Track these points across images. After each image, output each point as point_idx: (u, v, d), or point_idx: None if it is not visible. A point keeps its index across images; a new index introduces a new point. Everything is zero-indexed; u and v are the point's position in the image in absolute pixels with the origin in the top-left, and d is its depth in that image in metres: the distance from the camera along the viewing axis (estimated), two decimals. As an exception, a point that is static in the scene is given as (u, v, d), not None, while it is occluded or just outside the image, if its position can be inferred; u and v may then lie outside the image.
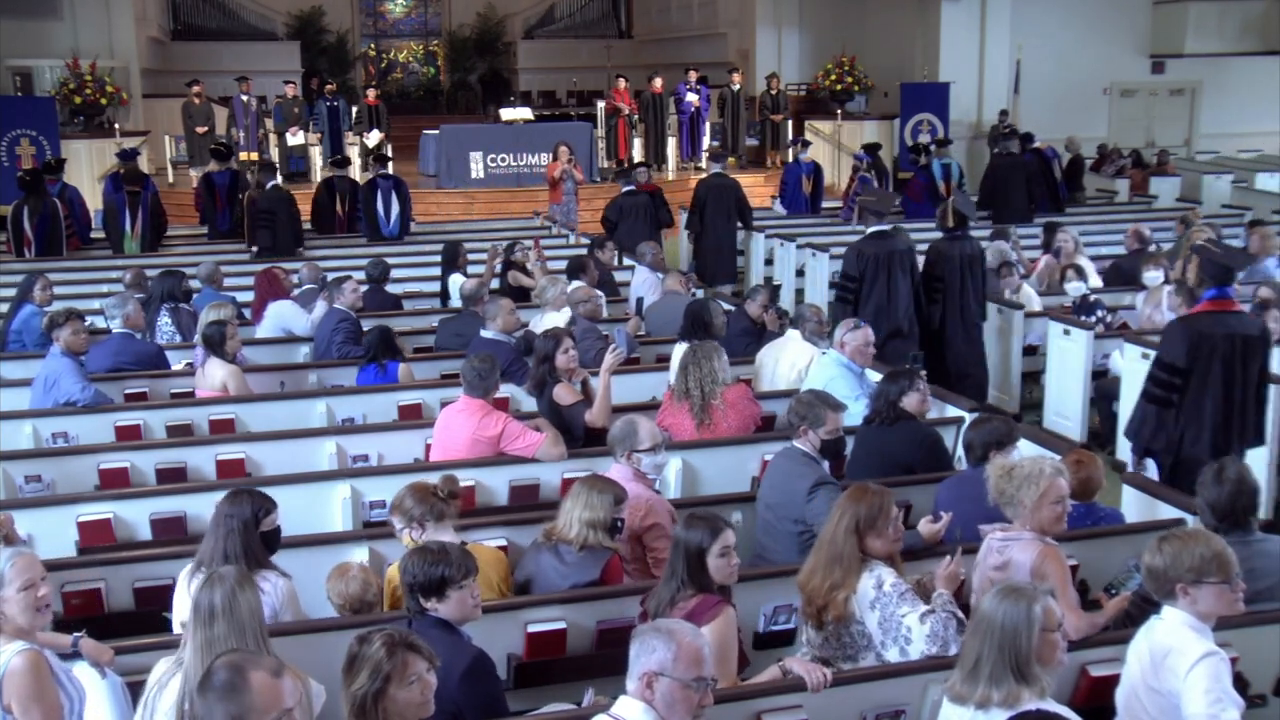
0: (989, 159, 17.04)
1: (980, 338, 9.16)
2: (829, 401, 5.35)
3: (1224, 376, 6.18)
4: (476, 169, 18.07)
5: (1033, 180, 15.32)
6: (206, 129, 18.53)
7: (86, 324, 7.39)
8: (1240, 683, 3.94)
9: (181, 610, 4.34)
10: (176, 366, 8.12)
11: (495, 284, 10.00)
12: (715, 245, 13.76)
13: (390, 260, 10.71)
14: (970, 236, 9.44)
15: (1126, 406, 8.13)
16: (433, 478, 4.96)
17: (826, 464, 5.37)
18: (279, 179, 13.60)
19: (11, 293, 9.48)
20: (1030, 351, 9.47)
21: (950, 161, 16.03)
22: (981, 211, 13.90)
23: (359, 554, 5.05)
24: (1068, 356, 8.75)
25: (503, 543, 5.16)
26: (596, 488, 4.68)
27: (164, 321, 8.83)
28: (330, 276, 9.32)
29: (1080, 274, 9.73)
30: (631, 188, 13.36)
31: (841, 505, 4.24)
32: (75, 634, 3.90)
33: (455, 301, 9.74)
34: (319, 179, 16.75)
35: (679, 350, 7.09)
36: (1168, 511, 5.33)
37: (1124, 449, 8.11)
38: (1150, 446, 6.43)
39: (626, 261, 12.27)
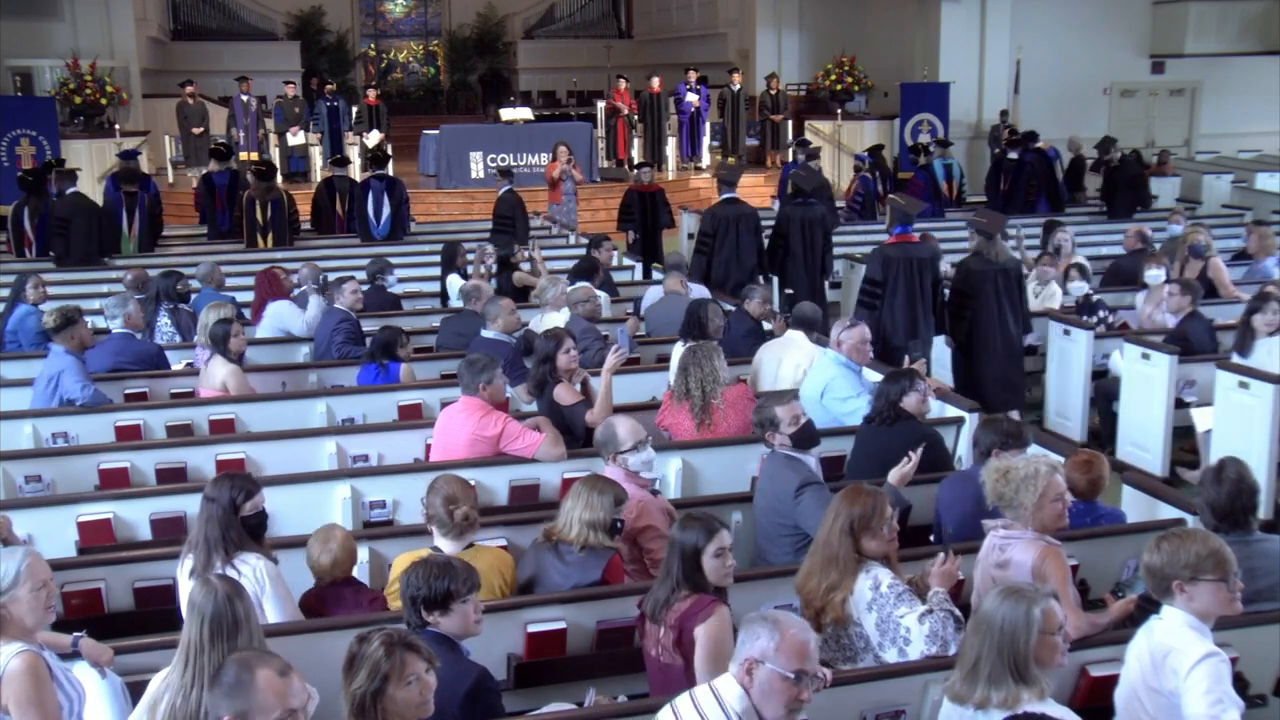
0: (991, 157, 17.10)
1: (822, 284, 11.21)
2: (774, 398, 5.40)
3: (906, 286, 8.71)
4: (476, 169, 18.08)
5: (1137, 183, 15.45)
6: (202, 129, 18.55)
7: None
8: (1240, 683, 3.94)
9: (185, 595, 4.36)
10: (176, 366, 8.12)
11: (493, 284, 9.98)
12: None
13: (390, 260, 10.70)
14: (811, 203, 11.27)
15: (1127, 407, 8.15)
16: (430, 478, 4.97)
17: (814, 459, 5.36)
18: (76, 184, 12.84)
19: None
20: (1030, 351, 9.47)
21: (951, 161, 16.05)
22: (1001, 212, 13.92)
23: (359, 554, 5.04)
24: (1068, 356, 8.74)
25: (502, 543, 5.17)
26: (597, 488, 4.68)
27: (163, 322, 8.82)
28: (331, 276, 9.33)
29: (1083, 273, 9.73)
30: (508, 186, 13.14)
31: (835, 507, 4.23)
32: (75, 634, 3.90)
33: (454, 302, 9.74)
34: (319, 179, 16.76)
35: (678, 350, 7.09)
36: (1168, 511, 5.33)
37: (1124, 449, 8.14)
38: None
39: (625, 261, 12.34)
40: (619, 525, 4.70)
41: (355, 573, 4.84)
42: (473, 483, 5.82)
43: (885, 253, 8.89)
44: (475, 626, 3.86)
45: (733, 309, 8.38)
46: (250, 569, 4.33)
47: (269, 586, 4.35)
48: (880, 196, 15.94)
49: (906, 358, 7.82)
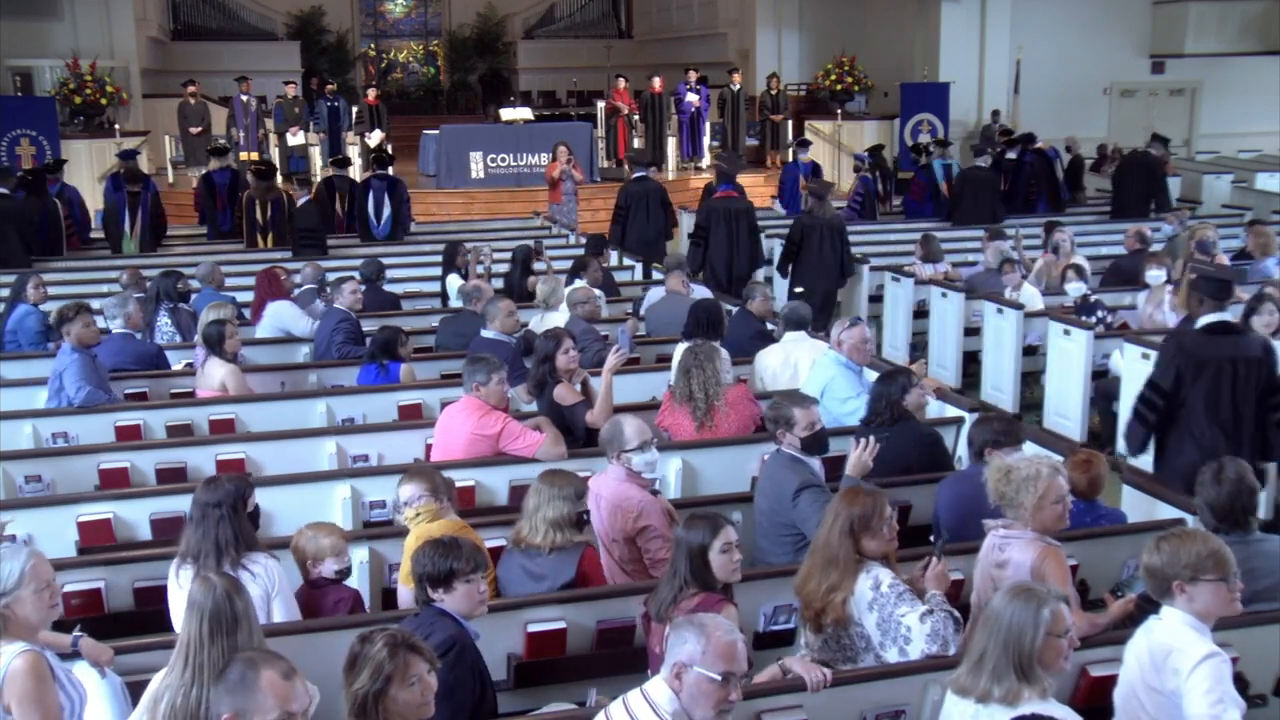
0: (988, 157, 17.08)
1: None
2: (795, 399, 5.39)
3: (725, 229, 11.55)
4: (476, 169, 18.07)
5: (1154, 179, 15.29)
6: (202, 129, 18.53)
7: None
8: (1240, 683, 3.94)
9: (177, 606, 4.34)
10: (176, 366, 8.11)
11: (494, 284, 9.98)
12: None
13: (389, 260, 10.69)
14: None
15: (1126, 406, 8.14)
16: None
17: (817, 461, 5.36)
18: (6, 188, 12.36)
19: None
20: (1030, 351, 9.47)
21: (951, 161, 16.04)
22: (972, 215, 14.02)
23: (359, 554, 5.05)
24: (1068, 356, 8.74)
25: (502, 543, 5.16)
26: (556, 484, 4.69)
27: (164, 321, 8.82)
28: (331, 277, 9.32)
29: (1080, 274, 9.72)
30: (306, 196, 13.02)
31: (834, 508, 4.23)
32: (75, 634, 3.90)
33: (454, 302, 9.73)
34: (319, 179, 16.74)
35: (680, 349, 7.08)
36: (1167, 511, 5.33)
37: (1123, 448, 8.13)
38: (699, 270, 11.36)
39: (626, 261, 12.32)
40: (584, 518, 4.72)
41: (356, 573, 4.84)
42: (472, 482, 5.85)
43: (709, 204, 11.77)
44: (480, 607, 3.90)
45: (733, 309, 8.37)
46: (262, 569, 4.34)
47: (279, 586, 4.35)
48: (881, 196, 15.94)
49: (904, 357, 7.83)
